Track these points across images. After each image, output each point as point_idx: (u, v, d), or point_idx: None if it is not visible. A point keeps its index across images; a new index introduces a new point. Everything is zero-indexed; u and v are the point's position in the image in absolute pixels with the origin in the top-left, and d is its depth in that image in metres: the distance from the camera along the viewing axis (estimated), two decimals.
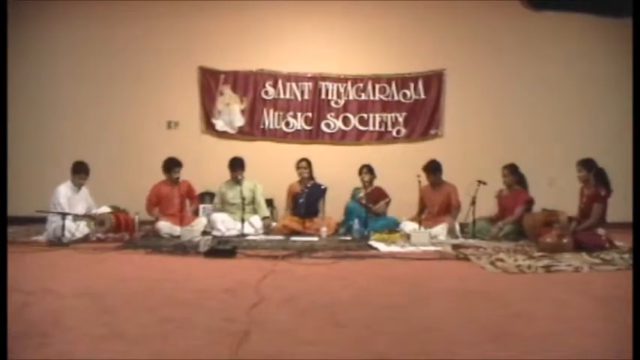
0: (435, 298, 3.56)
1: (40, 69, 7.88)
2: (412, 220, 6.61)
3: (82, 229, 5.94)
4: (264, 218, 6.72)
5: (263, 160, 7.42)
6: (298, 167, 6.93)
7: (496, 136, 7.94)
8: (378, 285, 3.97)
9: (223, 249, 5.15)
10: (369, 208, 6.69)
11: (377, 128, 8.13)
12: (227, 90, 8.06)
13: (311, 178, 6.99)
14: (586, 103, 8.07)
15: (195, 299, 3.43)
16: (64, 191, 6.12)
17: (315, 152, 7.54)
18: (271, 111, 8.11)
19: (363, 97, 8.14)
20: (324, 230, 6.42)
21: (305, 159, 6.99)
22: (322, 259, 4.96)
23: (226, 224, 6.52)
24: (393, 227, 6.48)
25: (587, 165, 5.86)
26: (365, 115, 8.13)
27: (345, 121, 8.12)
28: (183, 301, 3.39)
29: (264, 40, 8.03)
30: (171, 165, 6.60)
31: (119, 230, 6.13)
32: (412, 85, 8.14)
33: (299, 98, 8.12)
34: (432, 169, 6.76)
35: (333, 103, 8.13)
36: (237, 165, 6.76)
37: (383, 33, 8.08)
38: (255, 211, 6.79)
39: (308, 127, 8.11)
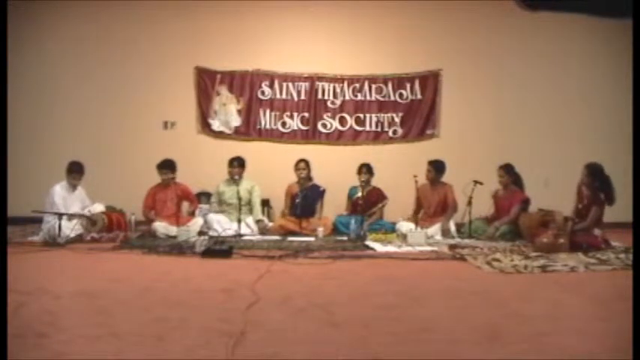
0: (432, 298, 3.57)
1: (38, 69, 7.83)
2: (408, 219, 6.62)
3: (76, 228, 5.92)
4: (257, 221, 6.71)
5: (259, 161, 7.39)
6: (297, 168, 6.92)
7: (492, 136, 7.93)
8: (374, 285, 3.98)
9: (220, 249, 5.15)
10: (362, 217, 6.63)
11: (373, 128, 8.12)
12: (223, 90, 8.04)
13: (309, 178, 6.98)
14: (583, 103, 8.06)
15: (192, 299, 3.44)
16: (59, 191, 6.11)
17: (312, 152, 7.52)
18: (268, 111, 8.09)
19: (360, 97, 8.12)
20: (320, 230, 6.42)
21: (304, 160, 6.98)
22: (318, 259, 4.97)
23: (222, 224, 6.51)
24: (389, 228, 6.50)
25: (595, 172, 5.83)
26: (361, 115, 8.12)
27: (342, 121, 8.11)
28: (179, 301, 3.39)
29: (260, 41, 8.01)
30: (160, 167, 6.58)
31: (112, 229, 6.12)
32: (408, 85, 8.13)
33: (295, 98, 8.10)
34: (439, 167, 6.78)
35: (329, 103, 8.11)
36: (235, 164, 6.77)
37: (379, 33, 8.06)
38: (251, 212, 6.79)
39: (304, 127, 8.09)
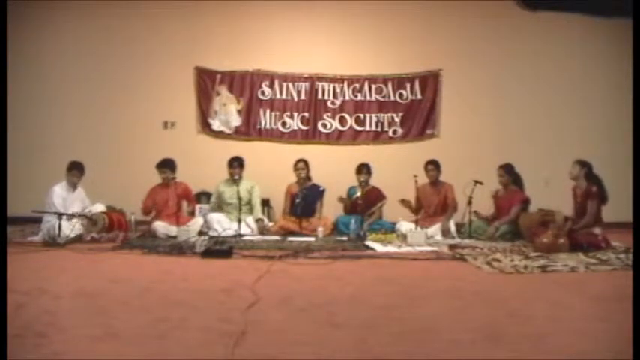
0: (432, 298, 3.56)
1: (38, 69, 7.84)
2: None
3: (76, 228, 5.92)
4: (257, 220, 6.70)
5: (259, 161, 7.39)
6: (296, 168, 6.92)
7: (492, 136, 7.93)
8: (374, 285, 3.98)
9: (220, 249, 5.15)
10: (362, 216, 6.63)
11: (373, 128, 8.12)
12: (223, 90, 8.05)
13: (308, 178, 6.98)
14: (583, 103, 8.07)
15: (192, 299, 3.43)
16: (58, 191, 6.10)
17: (312, 152, 7.52)
18: (268, 111, 8.09)
19: (360, 97, 8.12)
20: (320, 230, 6.42)
21: (302, 160, 6.98)
22: (318, 259, 4.96)
23: (222, 224, 6.50)
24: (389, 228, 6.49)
25: (585, 166, 5.90)
26: (361, 116, 8.12)
27: (342, 121, 8.11)
28: (179, 301, 3.39)
29: (260, 41, 8.01)
30: (159, 166, 6.57)
31: (112, 230, 6.12)
32: (408, 86, 8.13)
33: (295, 98, 8.10)
34: (437, 165, 6.79)
35: (329, 104, 8.12)
36: (235, 164, 6.76)
37: (379, 33, 8.07)
38: (251, 212, 6.79)
39: (304, 128, 8.09)
